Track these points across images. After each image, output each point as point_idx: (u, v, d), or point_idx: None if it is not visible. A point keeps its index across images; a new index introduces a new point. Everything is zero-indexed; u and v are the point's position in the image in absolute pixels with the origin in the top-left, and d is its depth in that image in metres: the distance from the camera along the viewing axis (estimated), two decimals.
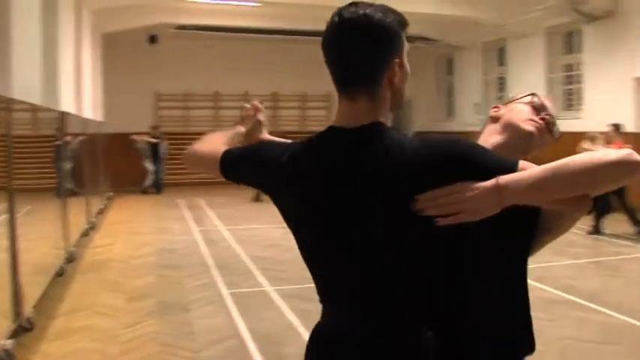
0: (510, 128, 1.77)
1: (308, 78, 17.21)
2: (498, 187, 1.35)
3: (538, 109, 1.79)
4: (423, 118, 18.39)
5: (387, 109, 1.52)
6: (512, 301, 1.72)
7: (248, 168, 1.67)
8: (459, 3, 12.38)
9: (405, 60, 1.53)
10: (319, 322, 1.61)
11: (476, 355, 1.66)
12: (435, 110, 18.36)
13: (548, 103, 1.83)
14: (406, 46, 1.53)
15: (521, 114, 1.79)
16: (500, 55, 15.51)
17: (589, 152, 1.40)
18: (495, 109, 1.87)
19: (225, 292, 6.29)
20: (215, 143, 1.78)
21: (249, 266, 7.39)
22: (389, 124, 1.50)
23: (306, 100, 17.74)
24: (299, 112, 17.89)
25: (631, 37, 10.80)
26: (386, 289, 1.47)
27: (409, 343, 1.48)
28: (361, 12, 1.46)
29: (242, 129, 1.92)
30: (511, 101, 1.86)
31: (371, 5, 1.48)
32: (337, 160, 1.48)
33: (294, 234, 1.61)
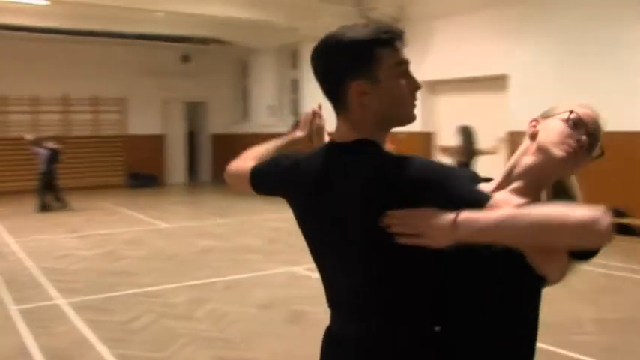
0: (542, 151, 1.61)
1: (100, 81, 16.49)
2: (454, 223, 1.36)
3: (576, 125, 1.61)
4: (218, 120, 18.50)
5: (371, 129, 1.50)
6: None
7: (271, 180, 1.74)
8: (252, 6, 12.61)
9: (391, 79, 1.49)
10: (329, 324, 1.68)
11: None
12: (230, 113, 18.50)
13: (588, 118, 1.65)
14: (392, 61, 1.50)
15: (554, 135, 1.61)
16: (294, 57, 16.04)
17: (558, 206, 1.38)
18: (533, 124, 1.70)
19: (13, 308, 5.81)
20: (247, 159, 1.85)
21: (40, 279, 6.90)
22: (383, 140, 1.53)
23: (98, 104, 16.86)
24: (92, 116, 16.93)
25: (416, 44, 11.79)
26: (372, 293, 1.52)
27: (402, 343, 1.51)
28: (330, 33, 1.50)
29: (300, 134, 1.94)
30: (549, 116, 1.69)
31: (350, 26, 1.52)
32: (322, 170, 1.55)
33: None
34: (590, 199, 1.58)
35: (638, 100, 9.34)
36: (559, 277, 1.55)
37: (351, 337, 1.57)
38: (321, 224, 1.59)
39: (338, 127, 1.56)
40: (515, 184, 1.61)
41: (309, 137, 1.95)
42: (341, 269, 1.58)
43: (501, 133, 11.22)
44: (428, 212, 1.40)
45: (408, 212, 1.41)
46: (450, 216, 1.38)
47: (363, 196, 1.46)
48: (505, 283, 1.55)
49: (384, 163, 1.46)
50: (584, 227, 1.29)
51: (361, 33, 1.49)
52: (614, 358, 4.54)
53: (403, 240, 1.41)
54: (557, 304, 5.92)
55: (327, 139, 1.89)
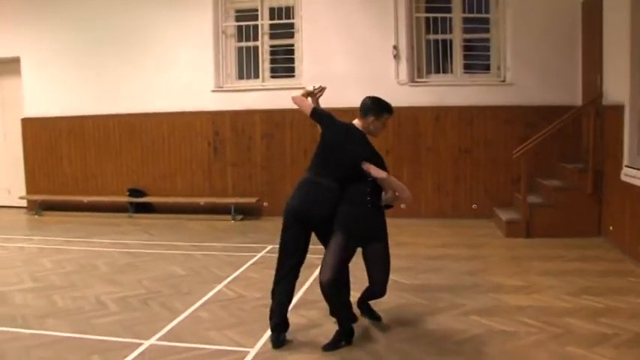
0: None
1: None
2: (387, 174, 4.25)
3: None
4: None
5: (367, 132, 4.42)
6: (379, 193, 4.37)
7: (325, 119, 4.44)
8: None
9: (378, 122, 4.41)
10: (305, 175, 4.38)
11: (378, 199, 4.37)
12: None
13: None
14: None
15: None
16: None
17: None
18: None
19: None
20: (300, 96, 4.52)
21: None
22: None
23: None
24: None
25: None
26: (337, 173, 4.26)
27: (331, 185, 4.26)
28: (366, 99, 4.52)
29: (310, 93, 4.58)
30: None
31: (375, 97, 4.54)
32: (347, 135, 4.35)
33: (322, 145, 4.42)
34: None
35: (142, 85, 9.78)
36: (385, 200, 4.40)
37: (321, 183, 4.25)
38: (336, 148, 4.30)
39: (357, 122, 4.42)
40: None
41: (317, 95, 4.61)
42: (333, 163, 4.27)
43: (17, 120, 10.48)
44: (378, 169, 4.25)
45: (370, 165, 4.22)
46: (386, 173, 4.26)
47: (358, 153, 4.27)
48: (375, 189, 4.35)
49: (367, 144, 4.37)
50: (408, 196, 4.45)
51: (384, 104, 4.45)
52: (136, 331, 4.59)
53: (366, 170, 4.20)
54: (80, 290, 5.74)
55: (319, 104, 4.62)
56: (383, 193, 4.37)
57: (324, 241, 4.35)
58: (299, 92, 4.56)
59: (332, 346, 4.24)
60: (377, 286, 4.40)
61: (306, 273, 4.52)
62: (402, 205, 8.95)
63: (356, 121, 4.40)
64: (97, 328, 4.70)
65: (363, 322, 4.69)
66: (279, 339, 4.32)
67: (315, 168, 4.36)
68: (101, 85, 9.98)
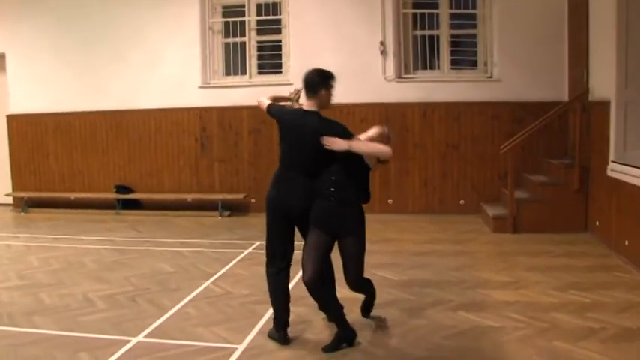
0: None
1: None
2: (349, 143, 4.04)
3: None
4: None
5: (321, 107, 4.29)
6: (363, 179, 4.28)
7: (277, 113, 4.46)
8: None
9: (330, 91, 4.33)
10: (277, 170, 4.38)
11: (345, 192, 4.18)
12: None
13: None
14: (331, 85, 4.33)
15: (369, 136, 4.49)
16: None
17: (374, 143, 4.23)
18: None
19: None
20: (266, 98, 4.66)
21: None
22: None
23: None
24: None
25: None
26: (306, 163, 4.21)
27: (307, 181, 4.22)
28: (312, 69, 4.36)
29: (286, 98, 4.75)
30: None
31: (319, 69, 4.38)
32: (299, 117, 4.29)
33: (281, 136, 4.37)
34: None
35: (129, 81, 9.72)
36: (373, 167, 4.28)
37: (293, 177, 4.24)
38: (292, 137, 4.26)
39: (308, 104, 4.28)
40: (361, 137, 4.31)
41: (294, 100, 4.70)
42: (297, 153, 4.24)
43: (3, 116, 10.40)
44: (337, 139, 4.04)
45: (330, 138, 4.03)
46: (346, 141, 4.05)
47: (313, 130, 4.13)
48: (357, 165, 4.21)
49: (321, 120, 4.23)
50: (385, 151, 4.12)
51: (327, 72, 4.33)
52: (123, 328, 4.58)
53: (326, 146, 4.03)
54: (67, 288, 5.72)
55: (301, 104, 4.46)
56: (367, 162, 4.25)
57: (304, 236, 4.33)
58: (261, 98, 4.66)
59: (332, 347, 4.18)
60: (348, 281, 4.30)
61: (294, 269, 4.50)
62: (390, 201, 8.98)
63: (305, 104, 4.29)
64: (85, 326, 4.68)
65: (350, 317, 4.70)
66: (287, 336, 4.32)
67: (282, 163, 4.33)
68: (88, 81, 9.90)
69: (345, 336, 4.24)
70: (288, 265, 4.36)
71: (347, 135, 4.13)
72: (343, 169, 4.16)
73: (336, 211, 4.16)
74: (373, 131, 4.37)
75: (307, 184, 4.21)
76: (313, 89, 4.23)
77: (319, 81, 4.23)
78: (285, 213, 4.26)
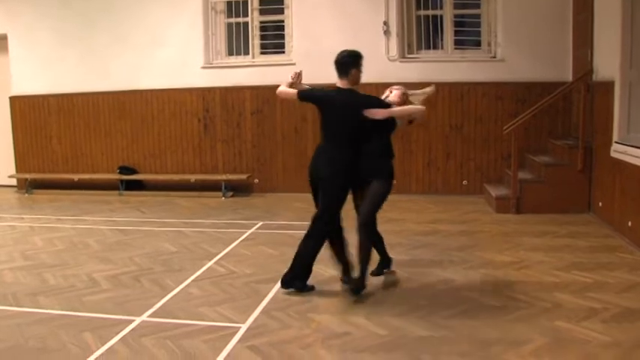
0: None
1: None
2: (390, 111, 4.77)
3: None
4: None
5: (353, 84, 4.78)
6: (389, 146, 4.95)
7: (312, 96, 4.90)
8: None
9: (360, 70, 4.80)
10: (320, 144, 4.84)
11: (373, 159, 4.84)
12: None
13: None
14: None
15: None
16: None
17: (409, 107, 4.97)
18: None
19: None
20: (285, 88, 4.90)
21: None
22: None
23: None
24: None
25: None
26: (346, 136, 4.72)
27: (348, 154, 4.71)
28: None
29: (293, 81, 4.92)
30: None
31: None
32: (338, 97, 4.75)
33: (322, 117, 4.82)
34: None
35: (132, 61, 9.69)
36: (402, 127, 5.13)
37: (329, 149, 4.74)
38: (334, 112, 4.72)
39: (342, 83, 4.78)
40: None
41: (298, 83, 4.93)
42: (338, 127, 4.72)
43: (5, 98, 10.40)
44: (378, 109, 4.74)
45: (371, 109, 4.71)
46: (387, 110, 4.77)
47: (354, 105, 4.72)
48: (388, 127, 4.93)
49: (358, 95, 4.77)
50: (419, 111, 4.91)
51: (357, 52, 4.80)
52: (127, 308, 4.61)
53: (371, 116, 4.71)
54: (71, 268, 5.74)
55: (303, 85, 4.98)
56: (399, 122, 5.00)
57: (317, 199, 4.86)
58: (281, 88, 4.92)
59: (376, 272, 5.20)
60: (359, 216, 4.88)
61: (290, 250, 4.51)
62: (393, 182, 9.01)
63: (339, 83, 4.77)
64: (89, 306, 4.71)
65: (349, 296, 4.73)
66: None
67: (324, 137, 4.80)
68: (90, 62, 9.87)
69: (387, 262, 5.29)
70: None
71: (384, 105, 4.83)
72: (381, 133, 4.90)
73: (378, 165, 4.85)
74: (394, 94, 5.02)
75: (342, 155, 4.69)
76: (346, 69, 4.72)
77: (351, 61, 4.72)
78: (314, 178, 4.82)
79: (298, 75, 4.96)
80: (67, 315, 4.51)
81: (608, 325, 4.13)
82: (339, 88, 4.78)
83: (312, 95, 4.89)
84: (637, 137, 6.30)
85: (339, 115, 4.73)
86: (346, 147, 4.71)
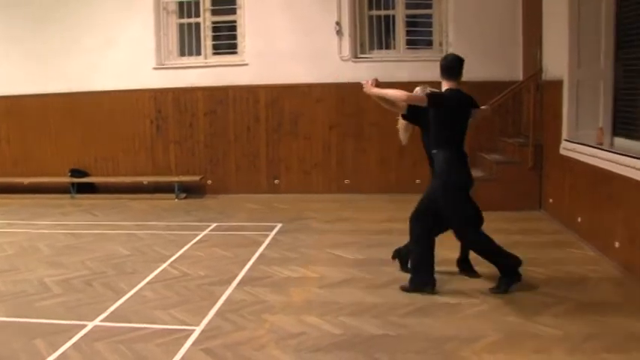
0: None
1: None
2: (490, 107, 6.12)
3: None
4: None
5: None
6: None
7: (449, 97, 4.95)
8: None
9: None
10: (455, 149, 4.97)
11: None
12: None
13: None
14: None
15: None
16: None
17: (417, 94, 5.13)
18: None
19: None
20: (416, 95, 5.18)
21: None
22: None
23: None
24: None
25: None
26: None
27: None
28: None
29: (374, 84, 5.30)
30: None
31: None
32: (465, 98, 4.94)
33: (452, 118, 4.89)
34: None
35: (82, 62, 9.49)
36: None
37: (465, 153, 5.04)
38: (463, 115, 4.92)
39: (451, 84, 4.93)
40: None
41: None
42: (464, 129, 4.94)
43: None
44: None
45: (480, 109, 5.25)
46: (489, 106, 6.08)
47: (470, 105, 4.99)
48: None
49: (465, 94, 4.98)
50: (420, 99, 4.89)
51: (462, 58, 4.98)
52: (79, 313, 4.50)
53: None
54: (22, 273, 5.58)
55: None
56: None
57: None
58: (401, 93, 5.04)
59: (500, 289, 4.80)
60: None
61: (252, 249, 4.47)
62: (346, 181, 8.97)
63: (448, 84, 4.95)
64: (41, 311, 4.59)
65: (306, 296, 4.72)
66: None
67: (457, 143, 4.94)
68: (40, 63, 9.62)
69: (506, 274, 4.92)
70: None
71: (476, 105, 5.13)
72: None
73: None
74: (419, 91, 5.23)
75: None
76: (455, 73, 4.92)
77: (460, 65, 4.94)
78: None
79: (375, 80, 5.29)
80: (18, 322, 4.39)
81: (559, 319, 4.22)
82: (457, 89, 4.92)
83: (443, 99, 4.93)
84: (585, 135, 6.46)
85: (463, 117, 4.93)
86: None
